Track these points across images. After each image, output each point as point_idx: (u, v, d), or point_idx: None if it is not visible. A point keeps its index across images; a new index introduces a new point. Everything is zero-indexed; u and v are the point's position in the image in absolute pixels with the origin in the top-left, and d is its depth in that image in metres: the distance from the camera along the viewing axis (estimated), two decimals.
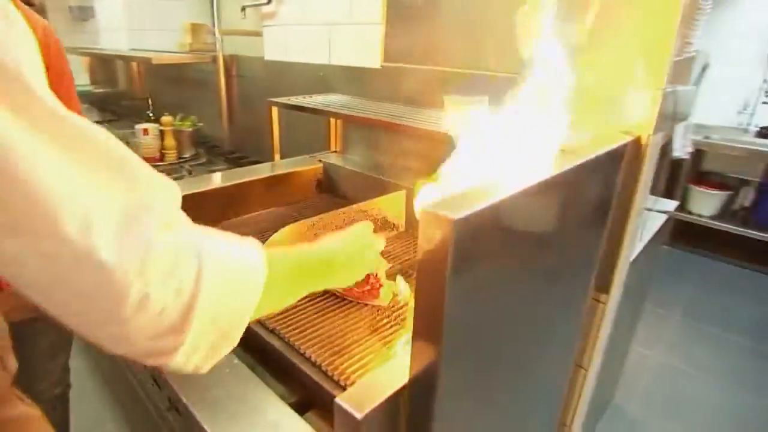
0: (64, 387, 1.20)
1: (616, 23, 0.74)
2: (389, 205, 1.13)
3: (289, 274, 0.52)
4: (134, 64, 2.79)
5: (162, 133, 1.97)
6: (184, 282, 0.34)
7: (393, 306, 0.81)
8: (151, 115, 2.28)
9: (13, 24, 0.31)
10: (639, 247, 1.20)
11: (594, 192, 0.70)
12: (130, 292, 0.32)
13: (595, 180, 0.68)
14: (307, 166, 1.40)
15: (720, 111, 2.90)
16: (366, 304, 0.81)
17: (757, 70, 2.83)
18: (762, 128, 2.88)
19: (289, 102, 1.27)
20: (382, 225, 1.13)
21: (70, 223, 0.30)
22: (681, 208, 3.02)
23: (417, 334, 0.44)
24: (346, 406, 0.43)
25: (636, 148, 0.75)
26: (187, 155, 2.04)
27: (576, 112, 0.55)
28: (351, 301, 0.81)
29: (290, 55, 1.58)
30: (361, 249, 0.67)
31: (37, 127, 0.29)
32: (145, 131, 1.93)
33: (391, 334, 0.74)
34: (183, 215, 0.37)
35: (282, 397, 0.62)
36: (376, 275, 0.81)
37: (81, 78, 3.24)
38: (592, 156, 0.60)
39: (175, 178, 1.76)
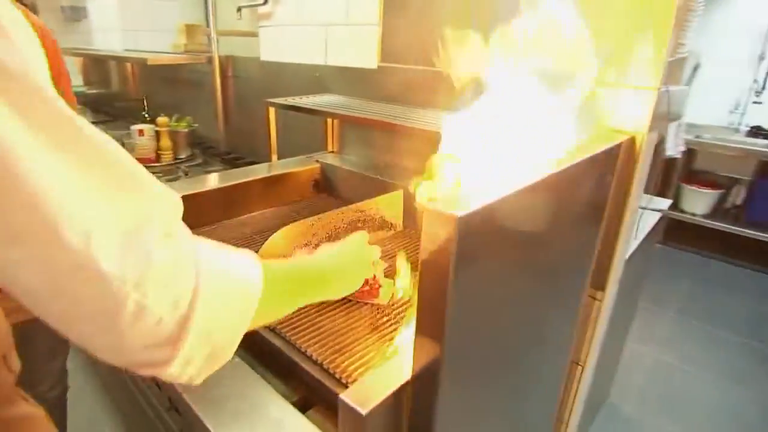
0: (62, 389, 1.20)
1: (611, 24, 0.75)
2: (386, 205, 1.13)
3: (286, 288, 0.52)
4: (129, 65, 2.78)
5: (158, 134, 1.97)
6: (182, 294, 0.34)
7: (393, 304, 0.82)
8: (146, 116, 2.27)
9: (17, 24, 0.30)
10: (634, 245, 1.21)
11: (590, 190, 0.71)
12: (128, 302, 0.31)
13: (592, 178, 0.70)
14: (304, 166, 1.40)
15: (711, 110, 2.94)
16: (366, 303, 0.82)
17: (748, 70, 2.86)
18: (753, 127, 2.92)
19: (286, 102, 1.27)
20: (379, 224, 1.13)
21: (71, 231, 0.29)
22: (674, 206, 3.05)
23: (420, 331, 0.44)
24: (350, 402, 0.44)
25: (631, 147, 0.76)
26: (183, 156, 2.03)
27: (573, 112, 0.56)
28: (351, 300, 0.82)
29: (286, 56, 1.58)
30: (356, 261, 0.69)
31: (43, 130, 0.29)
32: (141, 132, 1.92)
33: (392, 332, 0.75)
34: (183, 226, 0.37)
35: (284, 396, 0.63)
36: (375, 276, 0.82)
37: (74, 79, 3.20)
38: (589, 155, 0.61)
39: (172, 179, 1.77)
